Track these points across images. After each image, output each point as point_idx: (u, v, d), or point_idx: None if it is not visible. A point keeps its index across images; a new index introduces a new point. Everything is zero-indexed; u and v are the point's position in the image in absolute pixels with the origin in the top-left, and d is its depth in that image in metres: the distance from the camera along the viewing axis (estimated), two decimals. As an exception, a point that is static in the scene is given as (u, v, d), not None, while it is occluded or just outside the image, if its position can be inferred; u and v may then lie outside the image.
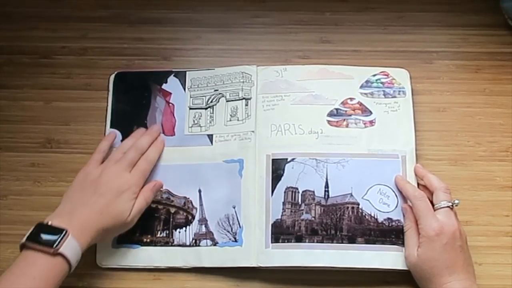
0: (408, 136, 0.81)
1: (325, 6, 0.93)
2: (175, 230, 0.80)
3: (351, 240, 0.76)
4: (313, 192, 0.79)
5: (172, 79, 0.87)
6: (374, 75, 0.85)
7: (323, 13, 0.92)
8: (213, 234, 0.79)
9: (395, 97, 0.84)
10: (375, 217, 0.77)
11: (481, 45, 0.89)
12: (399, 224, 0.77)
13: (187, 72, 0.87)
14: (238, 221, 0.79)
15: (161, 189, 0.81)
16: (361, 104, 0.84)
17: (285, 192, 0.79)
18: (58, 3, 0.94)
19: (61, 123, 0.86)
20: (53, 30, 0.92)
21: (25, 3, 0.94)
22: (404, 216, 0.76)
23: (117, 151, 0.79)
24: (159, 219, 0.80)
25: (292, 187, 0.80)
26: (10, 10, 0.94)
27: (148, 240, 0.79)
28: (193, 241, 0.79)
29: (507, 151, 0.83)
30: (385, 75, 0.85)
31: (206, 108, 0.85)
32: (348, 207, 0.78)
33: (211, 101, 0.85)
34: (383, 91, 0.84)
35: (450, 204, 0.73)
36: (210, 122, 0.84)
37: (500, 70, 0.87)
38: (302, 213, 0.78)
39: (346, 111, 0.83)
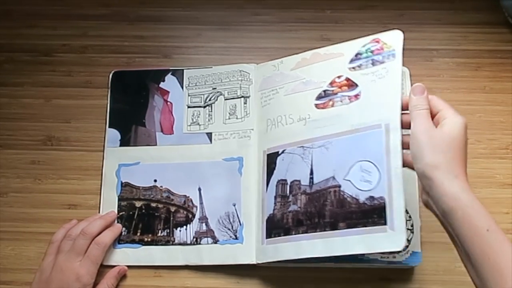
0: (394, 101, 0.71)
1: (325, 4, 0.92)
2: (176, 228, 0.80)
3: (333, 226, 0.71)
4: (299, 181, 0.76)
5: (169, 78, 0.87)
6: (364, 45, 0.77)
7: (323, 11, 0.92)
8: (213, 232, 0.79)
9: (383, 62, 0.75)
10: (357, 197, 0.71)
11: (481, 43, 0.89)
12: (381, 201, 0.68)
13: (184, 71, 0.87)
14: (238, 219, 0.79)
15: (161, 189, 0.81)
16: (348, 79, 0.77)
17: (276, 185, 0.78)
18: (58, 1, 0.94)
19: (62, 120, 0.87)
20: (53, 28, 0.92)
21: (25, 0, 0.94)
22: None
23: (66, 239, 0.75)
24: (159, 218, 0.80)
25: (282, 180, 0.77)
26: (10, 8, 0.94)
27: (149, 239, 0.79)
28: (194, 239, 0.79)
29: (507, 149, 0.83)
30: (376, 41, 0.77)
31: (204, 107, 0.85)
32: (330, 191, 0.73)
33: (210, 99, 0.85)
34: (372, 59, 0.76)
35: None
36: (209, 121, 0.84)
37: (500, 68, 0.87)
38: (290, 205, 0.76)
39: (333, 90, 0.77)
